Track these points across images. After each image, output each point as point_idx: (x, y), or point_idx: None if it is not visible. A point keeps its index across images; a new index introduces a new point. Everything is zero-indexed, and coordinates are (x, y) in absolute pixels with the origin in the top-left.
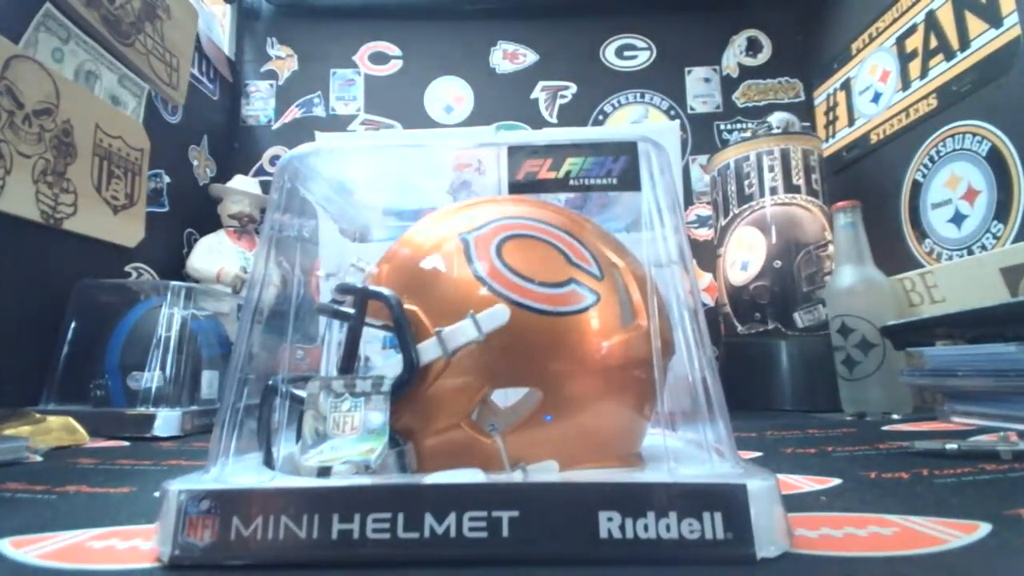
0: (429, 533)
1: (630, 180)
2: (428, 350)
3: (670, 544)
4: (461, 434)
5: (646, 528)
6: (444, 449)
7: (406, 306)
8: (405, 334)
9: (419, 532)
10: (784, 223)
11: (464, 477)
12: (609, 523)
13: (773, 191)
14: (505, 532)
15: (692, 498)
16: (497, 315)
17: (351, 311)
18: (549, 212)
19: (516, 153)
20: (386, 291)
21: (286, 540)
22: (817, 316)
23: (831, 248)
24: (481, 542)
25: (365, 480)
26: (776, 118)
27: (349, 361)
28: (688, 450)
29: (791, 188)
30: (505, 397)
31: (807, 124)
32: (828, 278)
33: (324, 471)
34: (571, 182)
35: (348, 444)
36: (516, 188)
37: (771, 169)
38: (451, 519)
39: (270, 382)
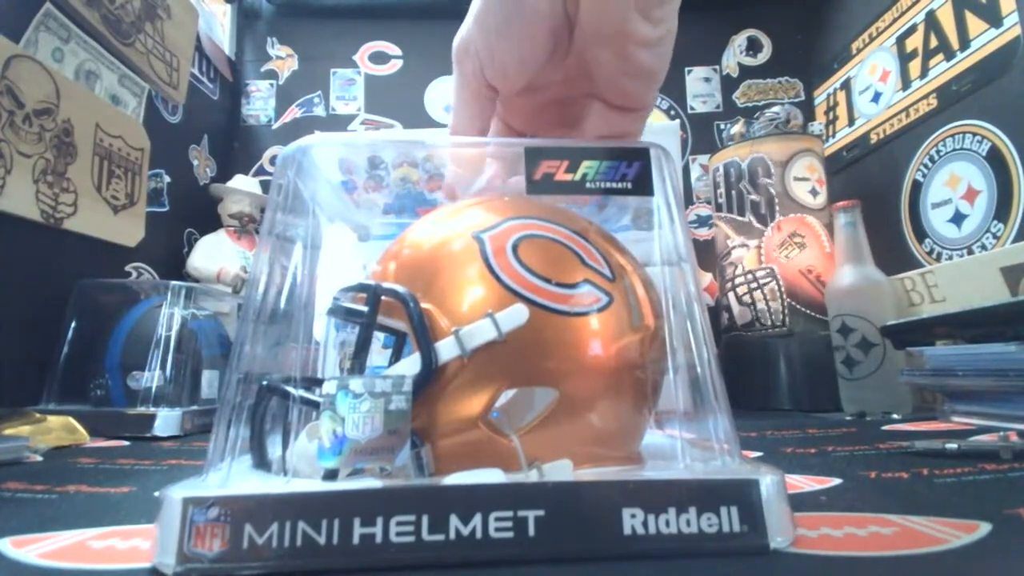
0: (455, 535)
1: (643, 185)
2: (445, 349)
3: (691, 538)
4: (478, 434)
5: (668, 523)
6: (461, 450)
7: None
8: (423, 332)
9: (444, 534)
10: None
11: (486, 477)
12: (632, 519)
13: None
14: (531, 531)
15: (710, 493)
16: (516, 315)
17: (364, 309)
18: (556, 213)
19: (533, 154)
20: (400, 288)
21: (304, 547)
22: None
23: (734, 254)
24: (508, 542)
25: (386, 482)
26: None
27: (362, 361)
28: (688, 448)
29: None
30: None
31: (788, 119)
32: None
33: (331, 474)
34: (587, 185)
35: (367, 446)
36: (534, 188)
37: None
38: (477, 520)
39: (264, 382)
